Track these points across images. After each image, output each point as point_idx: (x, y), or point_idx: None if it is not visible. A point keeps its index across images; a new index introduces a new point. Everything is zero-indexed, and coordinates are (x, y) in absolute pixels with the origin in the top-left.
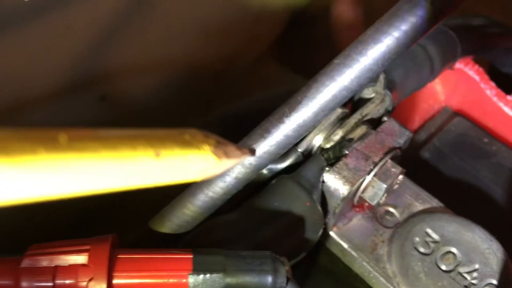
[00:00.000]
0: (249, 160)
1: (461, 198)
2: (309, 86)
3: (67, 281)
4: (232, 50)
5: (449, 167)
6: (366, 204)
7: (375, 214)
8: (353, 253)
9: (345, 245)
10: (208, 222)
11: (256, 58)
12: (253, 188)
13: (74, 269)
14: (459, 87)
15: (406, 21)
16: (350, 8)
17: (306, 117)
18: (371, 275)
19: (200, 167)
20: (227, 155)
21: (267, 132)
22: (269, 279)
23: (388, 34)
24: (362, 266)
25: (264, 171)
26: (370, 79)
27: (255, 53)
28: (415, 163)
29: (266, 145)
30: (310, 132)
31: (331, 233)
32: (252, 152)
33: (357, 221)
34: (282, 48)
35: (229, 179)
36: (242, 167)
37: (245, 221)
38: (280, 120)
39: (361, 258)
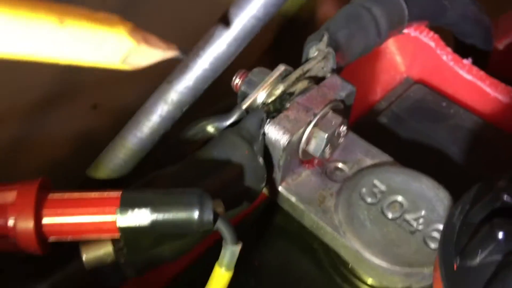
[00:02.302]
0: (170, 96)
1: (418, 158)
2: (220, 20)
3: None
4: None
5: (406, 130)
6: (316, 160)
7: (325, 170)
8: (301, 206)
9: (293, 199)
10: (150, 174)
11: (249, 65)
12: (200, 146)
13: (3, 207)
14: (417, 56)
15: None
16: (334, 8)
17: (220, 49)
18: (319, 226)
19: (115, 47)
20: (147, 41)
21: (185, 67)
22: (196, 212)
23: None
24: (310, 218)
25: (211, 129)
26: (277, 6)
27: (247, 60)
28: (373, 128)
29: (186, 80)
30: (253, 90)
31: (280, 188)
32: (183, 50)
33: (306, 176)
34: (274, 54)
35: (154, 117)
36: (165, 104)
37: (186, 172)
38: (196, 54)
39: (308, 210)
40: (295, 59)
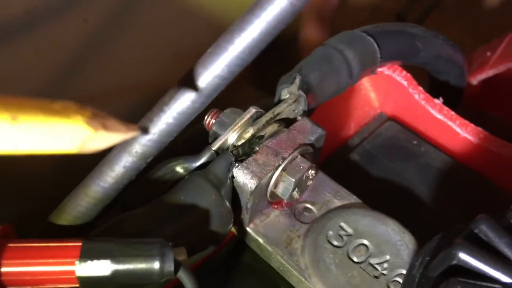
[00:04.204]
0: (134, 148)
1: (387, 196)
2: (185, 77)
3: None
4: None
5: (377, 168)
6: (284, 201)
7: (293, 211)
8: (268, 247)
9: (261, 240)
10: (116, 217)
11: (232, 82)
12: (169, 187)
13: None
14: (390, 93)
15: (266, 10)
16: (316, 30)
17: (185, 104)
18: (285, 268)
19: (72, 137)
20: (105, 127)
21: (149, 121)
22: (156, 263)
23: (252, 23)
24: (277, 260)
25: (180, 169)
26: (241, 67)
27: None
28: (345, 165)
29: (150, 134)
30: (224, 131)
31: (248, 229)
32: (144, 130)
33: (275, 217)
34: (258, 72)
35: (118, 168)
36: (129, 156)
37: (152, 216)
38: (160, 109)
39: (275, 252)
40: (277, 77)
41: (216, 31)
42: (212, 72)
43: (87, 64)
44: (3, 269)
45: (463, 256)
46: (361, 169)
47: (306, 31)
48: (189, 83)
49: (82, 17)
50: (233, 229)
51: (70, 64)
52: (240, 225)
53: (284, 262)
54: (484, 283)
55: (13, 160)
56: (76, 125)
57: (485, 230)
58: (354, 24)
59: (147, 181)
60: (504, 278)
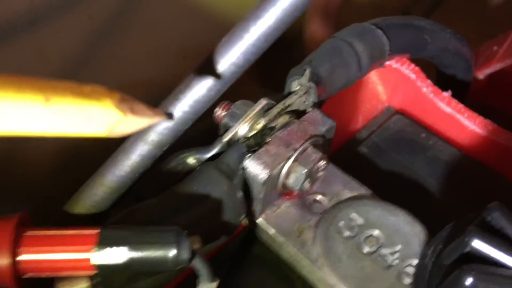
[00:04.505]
0: (150, 136)
1: (396, 189)
2: (201, 65)
3: None
4: None
5: (385, 161)
6: (295, 192)
7: (304, 202)
8: (280, 238)
9: (271, 231)
10: (130, 207)
11: (237, 80)
12: (181, 178)
13: None
14: (398, 86)
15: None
16: (321, 27)
17: (201, 93)
18: (297, 258)
19: (102, 120)
20: (133, 111)
21: (165, 108)
22: (173, 251)
23: (267, 11)
24: (289, 250)
25: (192, 160)
26: (256, 55)
27: None
28: (354, 158)
29: (166, 122)
30: (235, 123)
31: (259, 220)
32: (169, 115)
33: (286, 208)
34: (263, 70)
35: (134, 157)
36: (145, 144)
37: (165, 206)
38: (176, 97)
39: (287, 243)
40: (282, 75)
41: (220, 29)
42: (228, 60)
43: (92, 61)
44: (21, 257)
45: (476, 243)
46: (370, 162)
47: (311, 28)
48: (205, 70)
49: (87, 15)
50: (244, 220)
51: (75, 61)
52: (251, 216)
53: (296, 252)
54: (497, 271)
55: (19, 157)
56: (106, 109)
57: (498, 218)
58: (358, 21)
59: (159, 172)
60: None
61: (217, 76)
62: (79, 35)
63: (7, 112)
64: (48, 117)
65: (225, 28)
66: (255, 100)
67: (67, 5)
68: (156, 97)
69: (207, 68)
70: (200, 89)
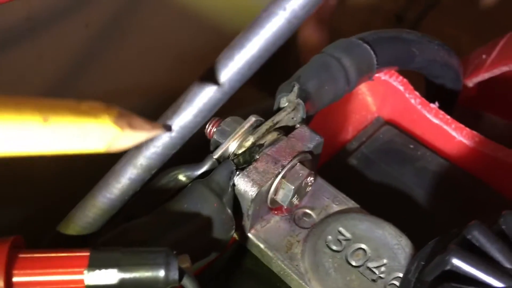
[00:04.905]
0: (139, 161)
1: (385, 200)
2: (187, 91)
3: None
4: None
5: (374, 172)
6: (284, 207)
7: (293, 216)
8: (269, 252)
9: (262, 246)
10: (123, 226)
11: None
12: (172, 195)
13: None
14: (387, 97)
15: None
16: (315, 32)
17: (187, 119)
18: (286, 273)
19: (100, 136)
20: (132, 126)
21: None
22: (162, 272)
23: (250, 40)
24: (278, 264)
25: (182, 178)
26: (241, 82)
27: None
28: (343, 169)
29: (154, 147)
30: (225, 140)
31: (249, 235)
32: (167, 128)
33: (275, 223)
34: (259, 74)
35: (123, 180)
36: (134, 168)
37: (156, 224)
38: (164, 123)
39: (276, 257)
40: (279, 79)
41: (216, 35)
42: (213, 87)
43: (89, 68)
44: (15, 279)
45: (456, 261)
46: (359, 173)
47: (304, 32)
48: (191, 97)
49: (83, 22)
50: (234, 235)
51: (72, 68)
52: (241, 231)
53: (285, 267)
54: None
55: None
56: (104, 125)
57: (477, 236)
58: (353, 24)
59: (150, 190)
60: (495, 283)
61: (202, 102)
62: (76, 42)
63: (5, 134)
64: (47, 137)
65: (222, 32)
66: (251, 105)
67: (64, 13)
68: (152, 102)
69: (193, 94)
70: (186, 116)
